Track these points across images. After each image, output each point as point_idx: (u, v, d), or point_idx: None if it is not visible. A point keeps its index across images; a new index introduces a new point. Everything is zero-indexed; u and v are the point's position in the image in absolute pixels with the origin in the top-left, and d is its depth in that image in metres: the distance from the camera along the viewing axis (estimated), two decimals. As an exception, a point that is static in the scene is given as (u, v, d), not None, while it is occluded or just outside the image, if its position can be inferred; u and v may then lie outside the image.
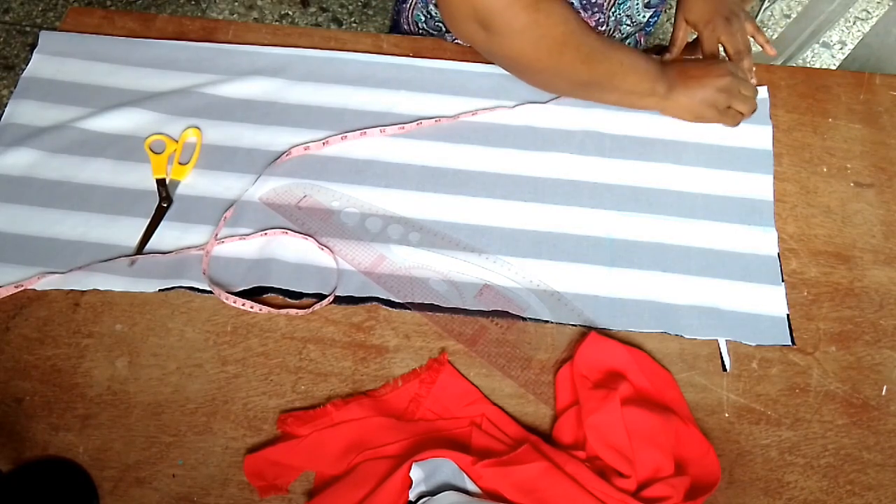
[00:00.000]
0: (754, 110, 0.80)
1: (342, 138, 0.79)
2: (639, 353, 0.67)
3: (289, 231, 0.72)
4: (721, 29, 0.84)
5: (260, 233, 0.72)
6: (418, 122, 0.80)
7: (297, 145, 0.78)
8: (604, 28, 0.88)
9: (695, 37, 0.88)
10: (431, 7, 0.89)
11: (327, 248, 0.72)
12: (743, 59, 0.83)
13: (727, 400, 0.66)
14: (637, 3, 0.86)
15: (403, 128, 0.80)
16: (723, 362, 0.68)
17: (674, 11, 0.88)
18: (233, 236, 0.72)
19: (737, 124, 0.81)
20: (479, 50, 0.74)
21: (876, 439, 0.65)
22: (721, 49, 0.85)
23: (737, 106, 0.79)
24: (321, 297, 0.69)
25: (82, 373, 0.65)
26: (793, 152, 0.81)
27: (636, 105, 0.79)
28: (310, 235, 0.72)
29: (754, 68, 0.84)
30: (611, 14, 0.86)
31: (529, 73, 0.75)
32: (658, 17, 0.96)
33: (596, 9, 0.85)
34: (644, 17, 0.88)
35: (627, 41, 0.97)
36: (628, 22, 0.88)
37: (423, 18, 0.91)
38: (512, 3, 0.67)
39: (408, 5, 0.92)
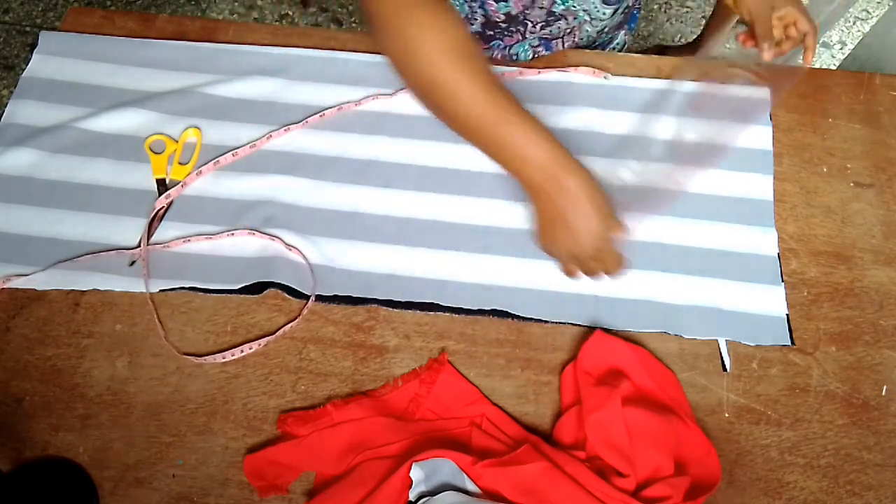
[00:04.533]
0: (616, 274, 0.66)
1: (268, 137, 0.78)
2: (643, 352, 0.67)
3: (255, 232, 0.72)
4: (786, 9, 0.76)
5: (226, 233, 0.72)
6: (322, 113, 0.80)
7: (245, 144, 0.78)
8: (534, 14, 0.83)
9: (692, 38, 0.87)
10: None
11: (295, 248, 0.72)
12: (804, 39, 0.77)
13: (727, 400, 0.66)
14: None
15: (324, 115, 0.80)
16: (723, 362, 0.68)
17: (673, 11, 0.87)
18: (199, 235, 0.72)
19: (570, 277, 0.68)
20: None
21: (876, 439, 0.65)
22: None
23: (583, 266, 0.66)
24: (319, 296, 0.69)
25: (82, 373, 0.65)
26: (793, 152, 0.81)
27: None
28: (277, 237, 0.72)
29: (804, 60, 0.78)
30: (557, 1, 0.83)
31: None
32: (636, 17, 0.93)
33: None
34: (605, 14, 0.84)
35: (614, 44, 0.94)
36: (586, 17, 0.85)
37: None
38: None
39: None
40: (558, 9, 0.82)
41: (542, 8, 0.81)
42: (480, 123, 0.62)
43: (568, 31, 0.86)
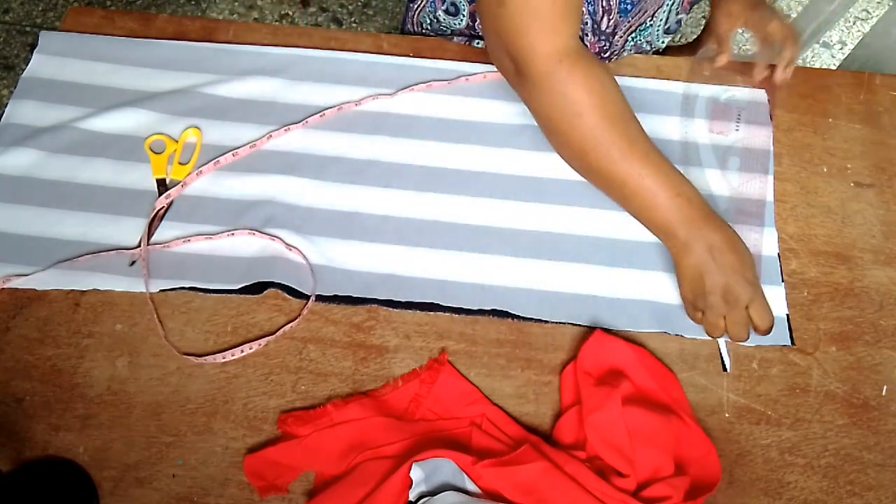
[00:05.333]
0: (767, 330, 0.65)
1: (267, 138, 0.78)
2: (643, 352, 0.67)
3: (255, 232, 0.72)
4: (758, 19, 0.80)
5: (226, 233, 0.72)
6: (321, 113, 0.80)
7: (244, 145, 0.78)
8: (608, 54, 0.87)
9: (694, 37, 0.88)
10: (440, 13, 0.88)
11: (295, 248, 0.71)
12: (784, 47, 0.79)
13: (727, 400, 0.66)
14: (658, 30, 0.85)
15: (324, 115, 0.80)
16: (723, 362, 0.68)
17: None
18: (199, 235, 0.72)
19: (719, 335, 0.66)
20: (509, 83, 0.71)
21: (876, 439, 0.65)
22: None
23: (735, 316, 0.64)
24: (319, 296, 0.69)
25: (82, 373, 0.65)
26: (793, 152, 0.81)
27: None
28: (277, 237, 0.72)
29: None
30: (629, 39, 0.85)
31: (542, 130, 0.72)
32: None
33: (603, 36, 0.83)
34: (663, 42, 0.87)
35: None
36: (647, 48, 0.87)
37: (428, 21, 0.90)
38: (546, 55, 0.62)
39: (416, 6, 0.91)
40: (629, 45, 0.83)
41: (613, 46, 0.83)
42: (634, 184, 0.66)
43: (611, 53, 0.87)
